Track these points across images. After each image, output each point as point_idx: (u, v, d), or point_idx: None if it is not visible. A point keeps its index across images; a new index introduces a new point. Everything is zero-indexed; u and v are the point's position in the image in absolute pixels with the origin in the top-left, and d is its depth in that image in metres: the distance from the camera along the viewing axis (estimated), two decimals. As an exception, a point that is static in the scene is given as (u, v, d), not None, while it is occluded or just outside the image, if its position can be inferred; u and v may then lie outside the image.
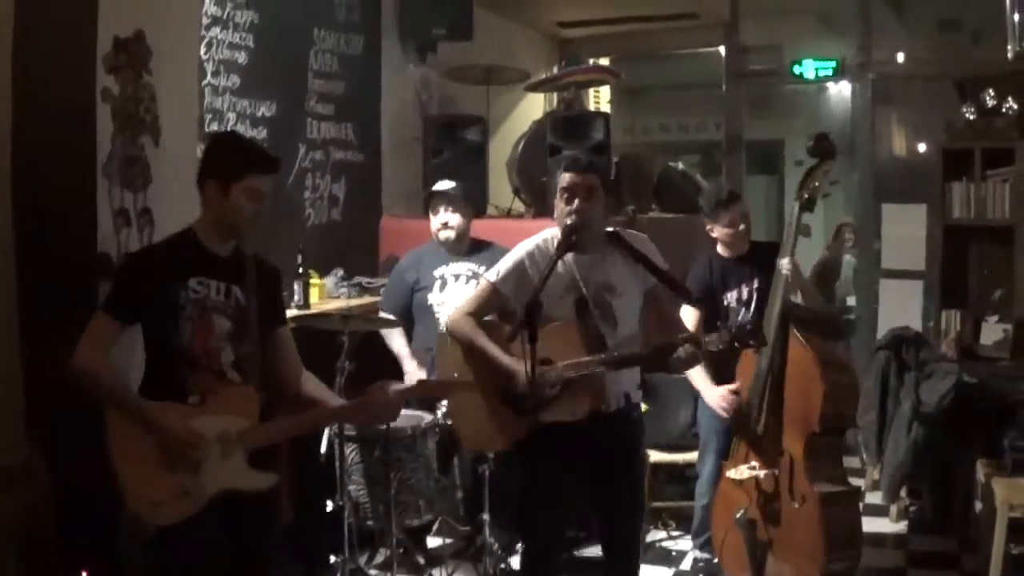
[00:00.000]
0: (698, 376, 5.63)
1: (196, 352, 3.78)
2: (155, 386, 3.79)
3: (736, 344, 4.25)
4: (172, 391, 3.75)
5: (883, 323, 8.35)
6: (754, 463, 5.26)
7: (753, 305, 5.65)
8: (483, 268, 5.63)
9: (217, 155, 3.91)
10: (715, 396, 5.55)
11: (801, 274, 5.47)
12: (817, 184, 5.28)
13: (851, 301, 9.48)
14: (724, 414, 5.53)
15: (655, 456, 6.67)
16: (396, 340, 5.99)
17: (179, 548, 3.67)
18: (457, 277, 5.95)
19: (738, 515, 5.28)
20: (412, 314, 6.01)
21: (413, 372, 5.86)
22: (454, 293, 5.85)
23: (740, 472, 5.30)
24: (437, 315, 5.87)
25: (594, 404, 4.34)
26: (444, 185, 6.08)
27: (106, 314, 3.74)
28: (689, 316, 5.67)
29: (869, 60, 9.10)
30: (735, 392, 5.50)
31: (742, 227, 5.75)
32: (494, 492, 5.65)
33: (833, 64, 9.19)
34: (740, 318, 5.65)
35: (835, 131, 9.77)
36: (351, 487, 5.39)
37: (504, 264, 4.54)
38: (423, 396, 5.30)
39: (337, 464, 5.31)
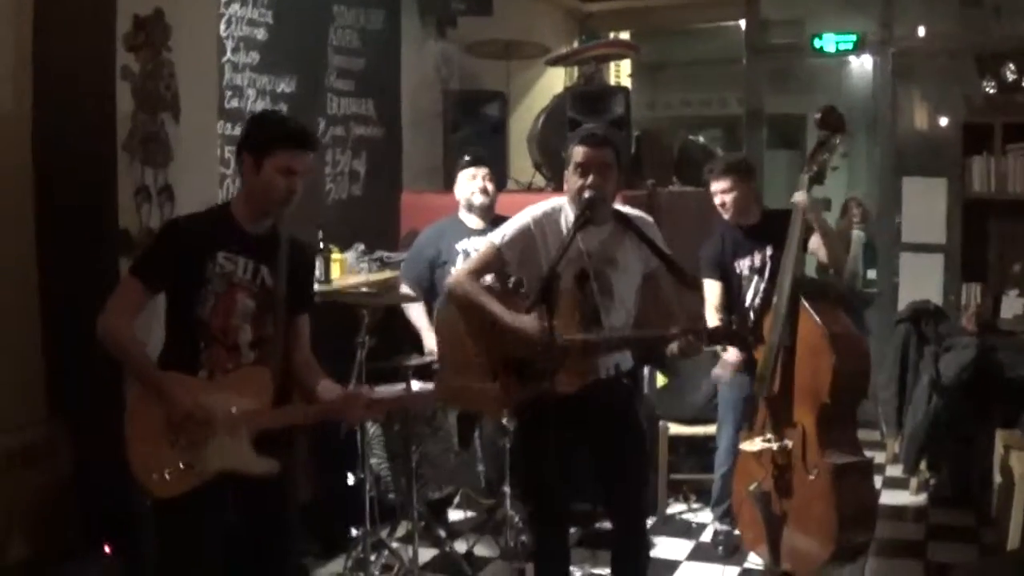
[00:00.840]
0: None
1: (214, 327, 3.75)
2: (170, 357, 3.77)
3: (733, 341, 4.23)
4: (185, 363, 3.73)
5: (903, 297, 8.33)
6: (769, 435, 5.25)
7: (767, 272, 5.61)
8: None
9: (252, 129, 3.89)
10: (728, 359, 5.58)
11: (820, 213, 5.37)
12: (827, 157, 5.24)
13: (871, 274, 9.43)
14: (716, 379, 5.59)
15: (674, 429, 6.66)
16: (416, 314, 6.00)
17: (177, 521, 3.67)
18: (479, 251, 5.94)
19: (751, 487, 5.28)
20: (433, 288, 6.01)
21: (433, 344, 5.86)
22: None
23: (753, 444, 5.28)
24: None
25: (583, 379, 4.33)
26: (480, 153, 6.10)
27: (135, 278, 3.73)
28: (711, 289, 5.70)
29: (890, 34, 9.03)
30: (739, 361, 5.54)
31: (719, 200, 5.73)
32: (514, 465, 5.66)
33: (854, 38, 9.12)
34: (754, 286, 5.63)
35: (856, 105, 9.72)
36: (372, 460, 5.40)
37: (509, 228, 4.52)
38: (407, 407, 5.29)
39: (359, 437, 5.32)
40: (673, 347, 4.24)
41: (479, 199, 6.04)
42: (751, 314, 5.62)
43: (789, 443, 5.15)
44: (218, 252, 3.75)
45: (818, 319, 5.08)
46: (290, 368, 3.92)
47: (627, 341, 4.42)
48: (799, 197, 5.17)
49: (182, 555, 3.70)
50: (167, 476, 3.60)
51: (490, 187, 6.06)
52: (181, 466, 3.62)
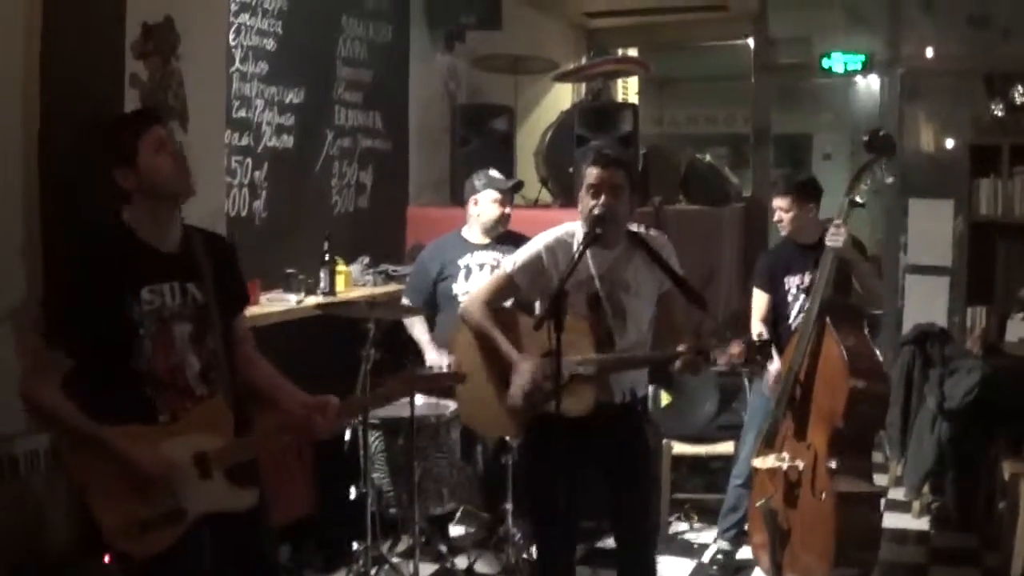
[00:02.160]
0: None
1: (160, 371, 3.42)
2: (117, 407, 3.38)
3: (744, 360, 4.19)
4: (138, 413, 3.40)
5: (908, 319, 8.30)
6: (784, 454, 5.22)
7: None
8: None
9: (105, 143, 3.49)
10: (770, 373, 5.53)
11: (853, 249, 5.34)
12: (869, 183, 5.22)
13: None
14: (767, 392, 5.52)
15: (678, 448, 6.62)
16: (418, 328, 5.97)
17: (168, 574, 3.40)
18: (482, 266, 5.91)
19: (759, 503, 5.26)
20: (436, 303, 5.98)
21: (435, 360, 5.84)
22: (479, 282, 5.80)
23: (766, 461, 5.26)
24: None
25: (597, 400, 4.30)
26: (502, 179, 6.08)
27: (48, 347, 3.33)
28: (759, 300, 5.75)
29: (898, 55, 9.03)
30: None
31: (777, 216, 5.72)
32: (517, 481, 5.62)
33: (862, 58, 9.11)
34: (800, 305, 5.58)
35: (863, 125, 9.70)
36: (374, 475, 5.36)
37: (521, 255, 4.51)
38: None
39: (361, 452, 5.28)
40: (677, 364, 4.21)
41: (495, 224, 6.00)
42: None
43: (800, 463, 5.11)
44: (140, 289, 3.39)
45: (840, 343, 5.04)
46: (238, 372, 3.66)
47: (633, 362, 4.38)
48: (836, 237, 5.15)
49: None
50: (148, 533, 3.34)
51: (509, 211, 6.03)
52: (161, 518, 3.36)
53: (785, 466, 5.17)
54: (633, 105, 7.84)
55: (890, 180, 5.74)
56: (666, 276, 4.40)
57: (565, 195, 7.16)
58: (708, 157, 8.35)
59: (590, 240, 4.22)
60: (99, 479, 3.32)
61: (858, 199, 5.24)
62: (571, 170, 6.88)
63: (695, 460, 6.81)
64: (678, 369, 4.24)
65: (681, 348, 4.19)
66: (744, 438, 5.99)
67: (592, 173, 4.34)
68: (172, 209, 3.51)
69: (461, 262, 5.96)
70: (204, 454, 3.44)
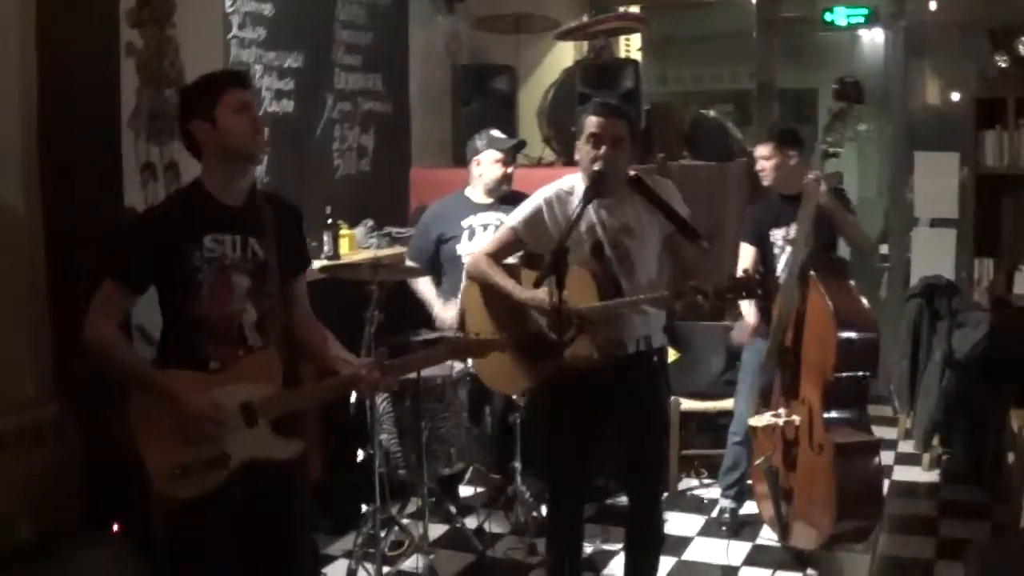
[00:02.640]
0: (745, 306, 5.69)
1: (215, 318, 3.56)
2: (173, 353, 3.61)
3: (742, 294, 4.17)
4: (192, 359, 3.56)
5: (916, 272, 8.26)
6: (780, 410, 5.22)
7: None
8: None
9: (186, 100, 3.66)
10: (744, 322, 5.56)
11: (834, 199, 5.31)
12: (841, 130, 5.17)
13: (883, 249, 9.38)
14: (735, 342, 5.61)
15: (686, 404, 6.62)
16: (424, 287, 5.97)
17: (205, 520, 3.52)
18: (486, 227, 5.90)
19: (758, 462, 5.26)
20: (440, 264, 5.98)
21: (442, 314, 5.85)
22: (481, 243, 5.79)
23: (761, 419, 5.26)
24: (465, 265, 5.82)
25: (610, 345, 4.30)
26: (504, 138, 6.06)
27: (113, 281, 3.53)
28: (745, 254, 5.73)
29: (902, 8, 8.94)
30: (759, 324, 5.60)
31: (759, 165, 5.72)
32: (525, 441, 5.64)
33: (865, 12, 9.05)
34: (786, 257, 5.55)
35: (868, 80, 9.62)
36: (382, 436, 5.37)
37: (523, 210, 4.54)
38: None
39: (368, 413, 5.29)
40: (677, 305, 4.18)
41: (498, 184, 5.99)
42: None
43: (796, 419, 5.11)
44: (203, 237, 3.54)
45: (826, 294, 5.03)
46: (292, 332, 3.79)
47: (633, 304, 4.35)
48: (812, 178, 5.12)
49: (205, 554, 3.58)
50: (191, 476, 3.46)
51: (511, 171, 6.02)
52: (203, 464, 3.48)
53: (781, 422, 5.17)
54: (635, 61, 7.82)
55: (862, 128, 5.72)
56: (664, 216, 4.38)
57: (568, 153, 7.12)
58: (713, 113, 8.33)
59: (591, 196, 4.22)
60: (148, 421, 3.47)
61: (832, 150, 5.19)
62: (574, 128, 6.85)
63: (703, 416, 6.81)
64: (680, 310, 4.24)
65: (680, 289, 4.12)
66: (737, 394, 5.99)
67: (592, 122, 4.33)
68: (244, 167, 3.64)
69: (464, 223, 5.95)
70: (250, 403, 3.56)
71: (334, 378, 3.80)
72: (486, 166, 5.98)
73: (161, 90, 4.90)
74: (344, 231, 6.25)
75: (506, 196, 5.98)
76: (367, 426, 5.27)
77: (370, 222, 6.65)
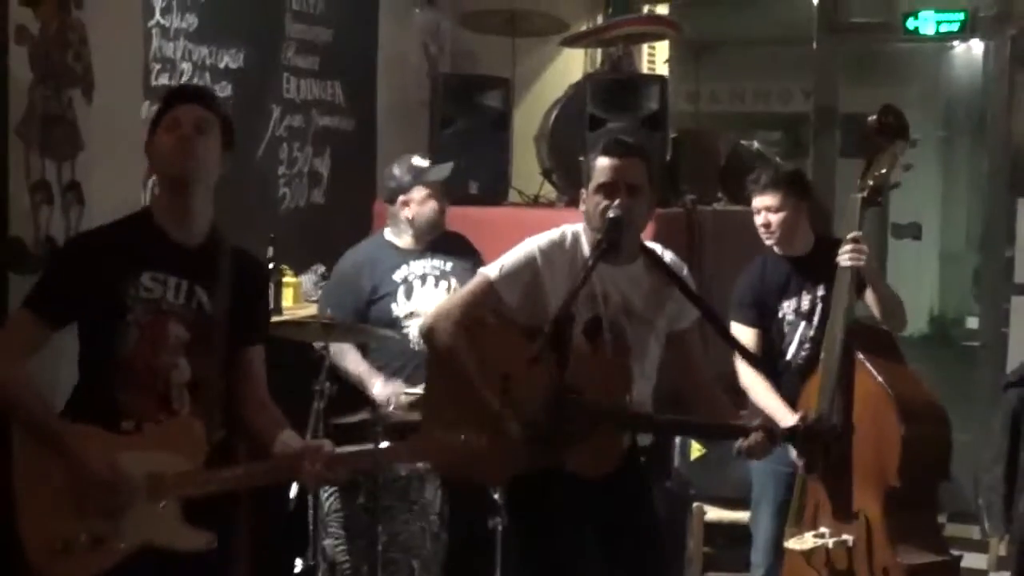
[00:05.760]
0: (764, 395, 5.48)
1: (138, 367, 3.71)
2: (83, 404, 3.73)
3: (810, 444, 4.22)
4: (102, 413, 3.67)
5: (1014, 352, 8.28)
6: (823, 529, 5.22)
7: (816, 318, 5.56)
8: (450, 265, 5.87)
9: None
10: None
11: (874, 262, 5.34)
12: (884, 171, 5.23)
13: (972, 322, 9.43)
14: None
15: (712, 513, 6.64)
16: (351, 358, 5.91)
17: None
18: (424, 279, 5.95)
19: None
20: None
21: (383, 392, 5.79)
22: (425, 299, 5.85)
23: (803, 541, 5.25)
24: (406, 329, 5.84)
25: (609, 462, 4.30)
26: (432, 167, 6.11)
27: (30, 312, 3.69)
28: (745, 335, 5.58)
29: (1008, 11, 8.97)
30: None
31: (762, 219, 5.67)
32: (509, 552, 5.65)
33: (960, 17, 9.10)
34: (799, 334, 5.60)
35: (960, 103, 9.71)
36: (326, 542, 5.38)
37: (510, 260, 4.44)
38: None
39: (310, 513, 5.30)
40: (741, 444, 4.22)
41: (436, 229, 6.05)
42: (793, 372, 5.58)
43: (849, 539, 5.12)
44: (142, 272, 3.72)
45: (879, 377, 5.05)
46: (240, 416, 3.89)
47: (682, 427, 4.37)
48: (856, 255, 5.14)
49: None
50: (72, 554, 3.53)
51: (445, 207, 6.07)
52: (89, 541, 3.55)
53: (830, 543, 5.17)
54: (661, 77, 7.89)
55: (908, 169, 5.76)
56: (684, 306, 4.42)
57: (573, 191, 7.15)
58: (756, 144, 8.40)
59: (603, 250, 4.21)
60: (33, 480, 3.59)
61: (872, 197, 5.25)
62: (582, 159, 6.91)
63: (734, 529, 6.81)
64: (740, 450, 4.26)
65: (749, 423, 4.19)
66: (756, 515, 5.93)
67: (603, 166, 4.35)
68: (183, 196, 3.79)
69: (397, 275, 5.97)
70: (160, 475, 3.63)
71: (264, 462, 3.84)
72: (417, 206, 6.03)
73: (62, 89, 4.92)
74: (288, 279, 6.29)
75: (440, 239, 6.05)
76: (308, 528, 5.30)
77: (321, 268, 6.68)
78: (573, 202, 6.94)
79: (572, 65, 9.34)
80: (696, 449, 6.83)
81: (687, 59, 11.57)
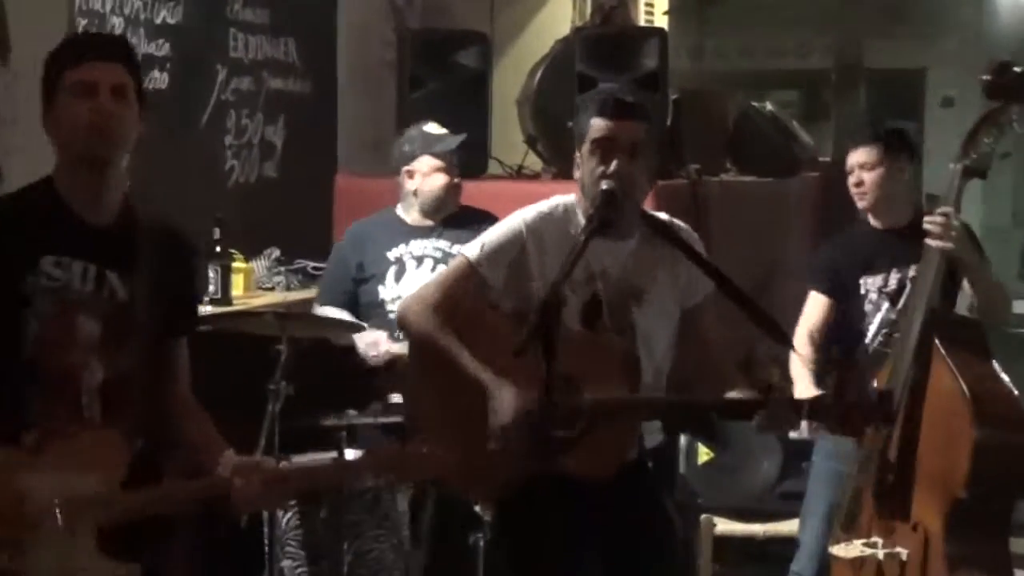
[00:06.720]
0: (796, 366, 5.51)
1: (42, 371, 3.55)
2: None
3: (854, 425, 4.21)
4: (3, 424, 3.55)
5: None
6: (875, 538, 5.21)
7: (903, 301, 5.49)
8: (459, 247, 5.65)
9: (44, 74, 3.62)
10: None
11: (970, 245, 5.27)
12: (993, 140, 5.18)
13: (1020, 307, 9.45)
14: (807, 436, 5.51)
15: (724, 525, 6.64)
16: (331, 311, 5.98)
17: None
18: (420, 260, 5.96)
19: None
20: (357, 312, 5.99)
21: (369, 339, 5.78)
22: (414, 283, 5.77)
23: (850, 548, 5.24)
24: (392, 316, 5.77)
25: (617, 459, 4.29)
26: (444, 136, 6.08)
27: None
28: (815, 306, 5.64)
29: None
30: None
31: (855, 178, 5.62)
32: (491, 571, 5.65)
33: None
34: (882, 315, 5.57)
35: (1005, 56, 9.72)
36: (284, 563, 5.38)
37: (492, 236, 4.44)
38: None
39: (265, 531, 5.29)
40: (757, 419, 4.19)
41: (449, 205, 6.03)
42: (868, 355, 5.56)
43: (903, 552, 5.11)
44: (42, 257, 3.53)
45: (958, 375, 5.01)
46: (163, 421, 3.76)
47: (686, 406, 4.35)
48: (945, 229, 5.03)
49: None
50: None
51: (458, 181, 6.06)
52: None
53: (880, 555, 5.17)
54: (660, 30, 7.87)
55: (1006, 157, 5.67)
56: (700, 282, 4.38)
57: (561, 161, 7.14)
58: (769, 105, 8.39)
59: (596, 225, 4.18)
60: None
61: (977, 168, 5.20)
62: (570, 125, 6.89)
63: (746, 543, 6.83)
64: (758, 425, 4.23)
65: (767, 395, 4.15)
66: (806, 517, 5.94)
67: (598, 126, 4.31)
68: (96, 173, 3.58)
69: (392, 253, 5.98)
70: (73, 500, 3.47)
71: (189, 482, 3.73)
72: (422, 178, 6.01)
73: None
74: (238, 264, 6.27)
75: (453, 217, 6.03)
76: (264, 547, 5.29)
77: (276, 252, 6.68)
78: (561, 174, 6.96)
79: (558, 18, 9.36)
80: (704, 453, 6.82)
81: (690, 9, 11.60)
